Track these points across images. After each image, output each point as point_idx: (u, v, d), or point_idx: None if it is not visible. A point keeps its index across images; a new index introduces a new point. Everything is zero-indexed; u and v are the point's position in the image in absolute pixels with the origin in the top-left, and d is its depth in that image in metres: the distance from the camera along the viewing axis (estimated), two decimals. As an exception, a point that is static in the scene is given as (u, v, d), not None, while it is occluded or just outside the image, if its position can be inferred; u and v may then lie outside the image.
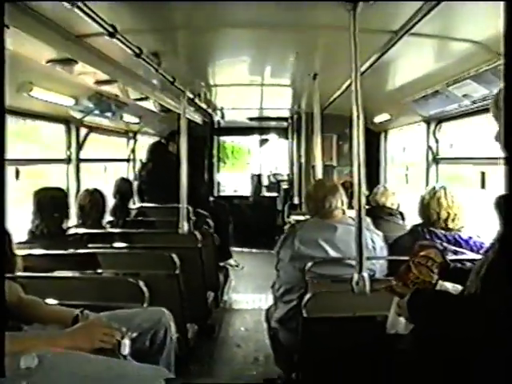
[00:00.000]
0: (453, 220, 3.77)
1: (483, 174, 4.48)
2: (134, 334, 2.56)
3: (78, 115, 5.27)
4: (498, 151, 1.77)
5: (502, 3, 0.90)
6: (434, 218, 3.80)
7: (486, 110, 4.19)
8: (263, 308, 5.13)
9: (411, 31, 2.88)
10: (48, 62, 3.47)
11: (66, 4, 2.32)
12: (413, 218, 4.52)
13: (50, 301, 2.94)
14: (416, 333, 2.12)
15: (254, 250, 9.65)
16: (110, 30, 2.89)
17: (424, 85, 4.63)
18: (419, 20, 2.67)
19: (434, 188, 3.92)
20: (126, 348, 2.39)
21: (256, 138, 11.73)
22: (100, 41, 3.23)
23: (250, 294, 7.09)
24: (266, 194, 11.38)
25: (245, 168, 14.43)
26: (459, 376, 1.79)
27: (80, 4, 2.37)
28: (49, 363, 2.07)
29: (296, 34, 3.51)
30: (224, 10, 2.92)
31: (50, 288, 3.23)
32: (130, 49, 3.34)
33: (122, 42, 3.12)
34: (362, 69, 3.62)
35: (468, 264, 2.50)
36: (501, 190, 1.72)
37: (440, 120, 5.55)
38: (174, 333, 3.01)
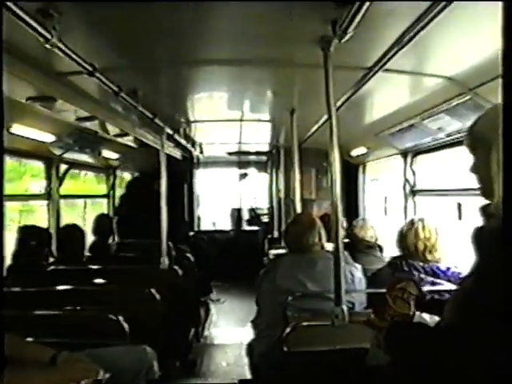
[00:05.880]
0: (430, 252, 3.77)
1: (459, 204, 4.54)
2: (108, 375, 2.51)
3: (58, 151, 5.27)
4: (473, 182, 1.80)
5: (500, 3, 0.92)
6: (412, 250, 3.79)
7: (460, 143, 4.28)
8: (244, 342, 5.08)
9: (385, 67, 2.96)
10: (28, 99, 3.49)
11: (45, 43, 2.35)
12: (392, 250, 4.54)
13: (30, 339, 2.90)
14: (394, 365, 2.12)
15: (235, 284, 9.59)
16: (89, 68, 2.91)
17: (399, 119, 4.70)
18: (392, 56, 2.74)
19: (413, 220, 3.94)
20: None
21: (234, 171, 11.74)
22: (80, 78, 3.24)
23: (231, 329, 7.04)
24: (246, 227, 11.35)
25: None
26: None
27: (60, 44, 2.40)
28: None
29: (273, 71, 3.57)
30: (203, 48, 2.96)
31: (30, 326, 3.19)
32: (109, 87, 3.38)
33: (100, 80, 3.16)
34: (338, 104, 3.69)
35: (446, 295, 2.52)
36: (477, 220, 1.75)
37: (416, 153, 5.63)
38: (157, 371, 2.96)
